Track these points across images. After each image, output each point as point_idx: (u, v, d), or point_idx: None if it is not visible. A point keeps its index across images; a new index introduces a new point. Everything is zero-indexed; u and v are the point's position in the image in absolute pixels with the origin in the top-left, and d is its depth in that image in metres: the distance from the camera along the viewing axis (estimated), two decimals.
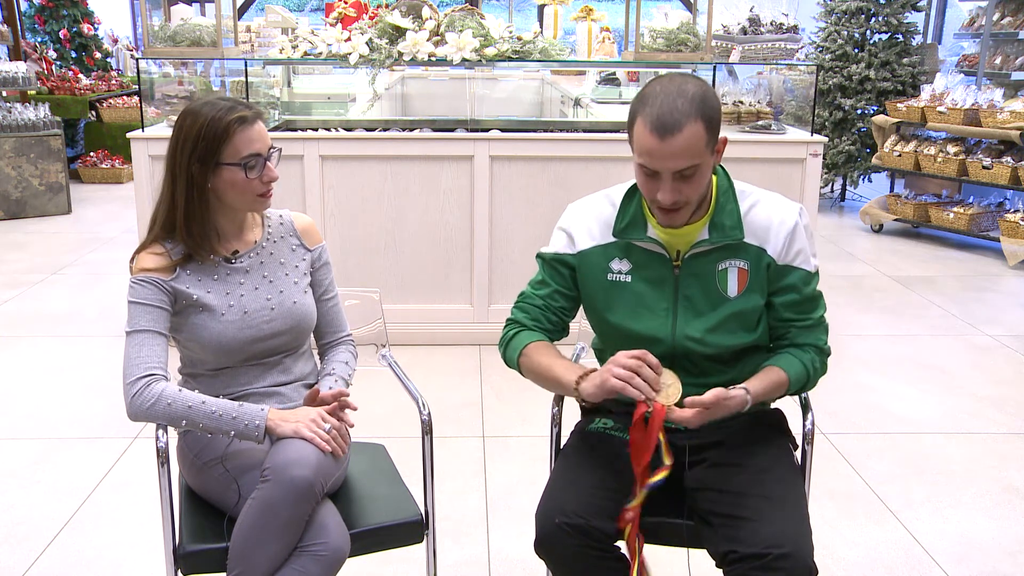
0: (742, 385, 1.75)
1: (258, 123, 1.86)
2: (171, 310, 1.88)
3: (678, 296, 1.82)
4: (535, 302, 1.91)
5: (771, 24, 4.50)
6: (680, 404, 1.69)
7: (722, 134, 1.74)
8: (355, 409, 1.91)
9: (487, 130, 4.22)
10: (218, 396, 1.89)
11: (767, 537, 1.63)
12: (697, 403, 1.67)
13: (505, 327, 1.95)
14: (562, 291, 1.90)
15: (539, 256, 1.94)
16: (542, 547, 1.73)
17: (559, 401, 2.02)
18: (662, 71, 4.62)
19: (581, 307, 1.97)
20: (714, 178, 1.82)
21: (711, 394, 1.68)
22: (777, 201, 1.84)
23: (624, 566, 1.75)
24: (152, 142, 4.05)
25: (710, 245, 1.79)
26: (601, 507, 1.72)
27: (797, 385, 1.82)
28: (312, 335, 2.09)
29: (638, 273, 1.83)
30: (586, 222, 1.88)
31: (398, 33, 4.14)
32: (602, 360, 2.00)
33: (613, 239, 1.84)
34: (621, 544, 1.75)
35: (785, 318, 1.83)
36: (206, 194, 1.87)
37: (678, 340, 1.81)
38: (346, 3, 4.37)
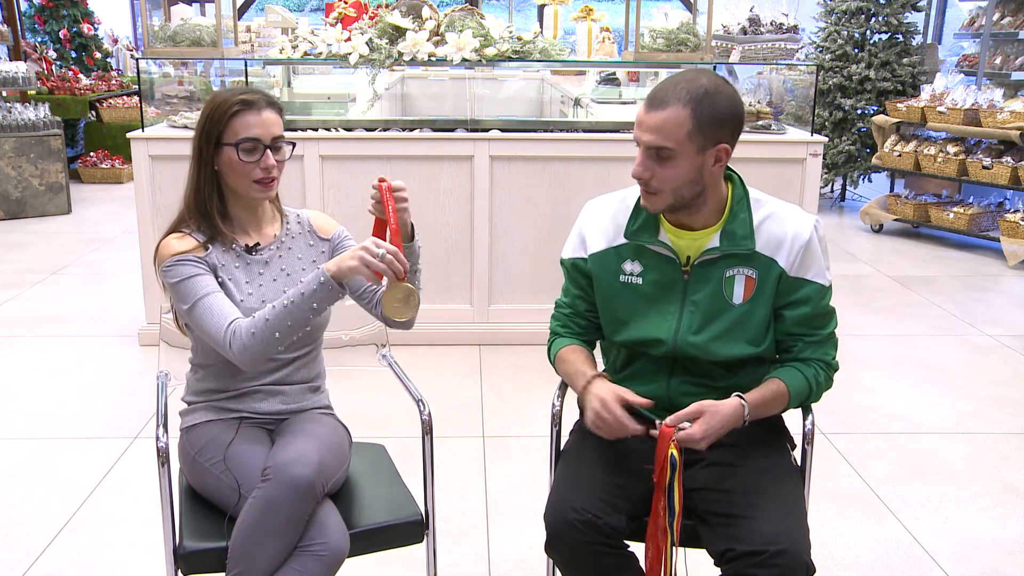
0: (737, 394, 1.76)
1: (266, 111, 1.89)
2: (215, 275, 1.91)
3: (685, 301, 1.82)
4: (564, 310, 1.99)
5: (771, 24, 4.50)
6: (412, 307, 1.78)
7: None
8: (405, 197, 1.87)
9: (487, 130, 4.21)
10: (226, 388, 1.96)
11: (764, 535, 1.63)
12: (682, 416, 1.70)
13: (548, 337, 2.03)
14: (583, 295, 1.95)
15: (561, 262, 1.99)
16: (553, 545, 1.74)
17: (561, 398, 2.03)
18: (662, 71, 4.63)
19: None
20: (730, 186, 1.83)
21: (694, 406, 1.71)
22: (793, 213, 1.83)
23: (632, 563, 1.76)
24: (152, 142, 4.05)
25: (719, 253, 1.80)
26: (610, 503, 1.73)
27: (798, 399, 1.82)
28: (325, 331, 2.09)
29: (649, 275, 1.85)
30: (600, 223, 1.90)
31: (398, 33, 4.14)
32: (607, 357, 2.03)
33: (625, 240, 1.86)
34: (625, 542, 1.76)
35: (794, 332, 1.83)
36: (214, 174, 1.92)
37: (679, 344, 1.82)
38: (346, 3, 4.37)
